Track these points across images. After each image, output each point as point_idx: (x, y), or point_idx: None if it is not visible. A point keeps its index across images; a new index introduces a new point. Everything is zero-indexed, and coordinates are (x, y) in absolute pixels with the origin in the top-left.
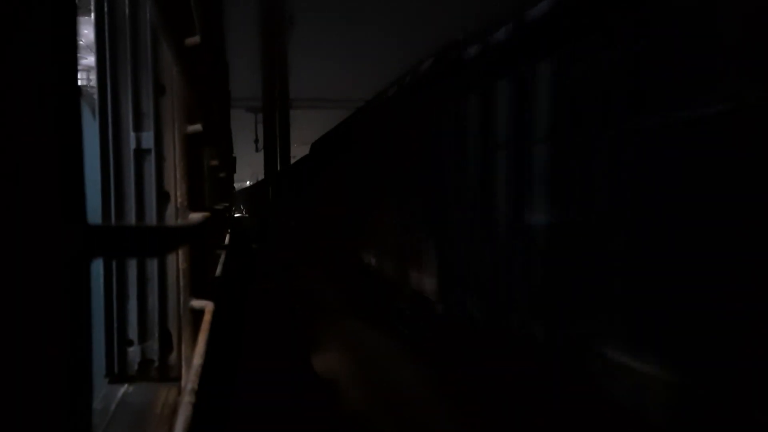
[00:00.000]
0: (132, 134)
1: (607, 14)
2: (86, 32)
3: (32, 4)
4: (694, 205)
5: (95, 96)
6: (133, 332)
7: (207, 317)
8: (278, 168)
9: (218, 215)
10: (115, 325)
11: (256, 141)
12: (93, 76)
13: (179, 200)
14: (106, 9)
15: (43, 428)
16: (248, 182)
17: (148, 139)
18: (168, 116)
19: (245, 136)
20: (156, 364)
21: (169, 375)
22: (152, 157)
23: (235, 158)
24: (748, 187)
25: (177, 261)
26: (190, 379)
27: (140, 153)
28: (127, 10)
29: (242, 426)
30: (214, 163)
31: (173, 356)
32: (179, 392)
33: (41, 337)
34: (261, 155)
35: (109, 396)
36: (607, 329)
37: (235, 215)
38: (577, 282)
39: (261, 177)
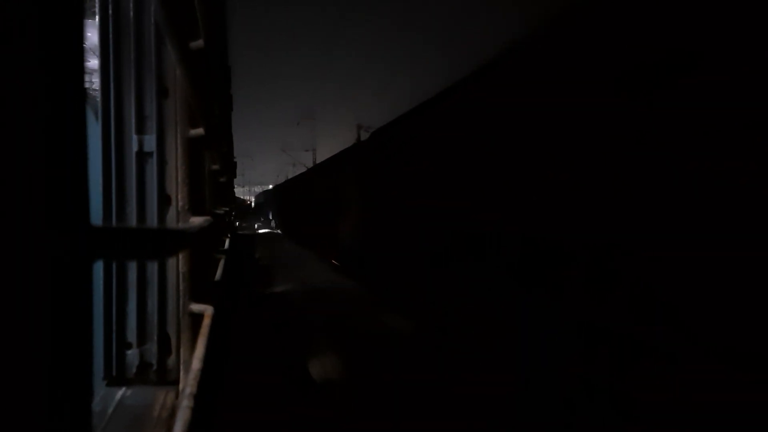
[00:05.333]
0: (134, 137)
1: None
2: (90, 35)
3: (36, 6)
4: None
5: (98, 98)
6: (132, 335)
7: (206, 321)
8: None
9: (219, 219)
10: (114, 327)
11: None
12: (96, 79)
13: (180, 204)
14: (110, 11)
15: (44, 430)
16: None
17: (150, 142)
18: (170, 119)
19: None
20: (154, 367)
21: (167, 378)
22: (154, 160)
23: (235, 163)
24: None
25: (177, 264)
26: (188, 383)
27: (142, 156)
28: (131, 13)
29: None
30: (215, 167)
31: (172, 359)
32: (177, 396)
33: (42, 338)
34: (301, 129)
35: (107, 398)
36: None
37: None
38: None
39: (290, 173)
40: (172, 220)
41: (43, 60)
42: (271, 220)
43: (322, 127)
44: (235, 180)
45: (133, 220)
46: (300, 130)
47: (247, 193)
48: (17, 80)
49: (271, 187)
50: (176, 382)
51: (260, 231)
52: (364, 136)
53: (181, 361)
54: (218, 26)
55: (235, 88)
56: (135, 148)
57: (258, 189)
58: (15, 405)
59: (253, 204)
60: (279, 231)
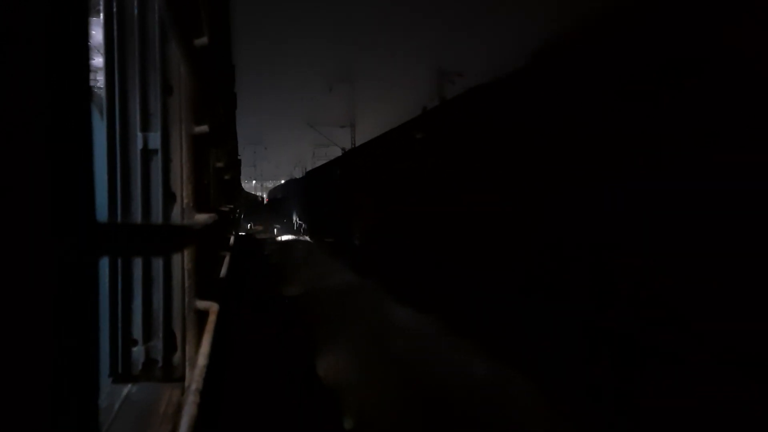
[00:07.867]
0: (139, 134)
1: None
2: (94, 33)
3: (41, 5)
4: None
5: (103, 96)
6: (137, 332)
7: (212, 318)
8: None
9: (223, 217)
10: (120, 324)
11: None
12: (101, 77)
13: (185, 201)
14: (115, 9)
15: (51, 426)
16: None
17: (155, 140)
18: (175, 117)
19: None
20: (160, 364)
21: (172, 375)
22: (159, 157)
23: (240, 160)
24: None
25: (182, 261)
26: (194, 379)
27: (147, 153)
28: (135, 11)
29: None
30: (220, 164)
31: (177, 356)
32: (183, 392)
33: (49, 335)
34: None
35: (113, 394)
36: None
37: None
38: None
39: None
40: (176, 218)
41: (48, 58)
42: (298, 222)
43: (364, 93)
44: (245, 173)
45: (138, 218)
46: (330, 105)
47: (259, 188)
48: (23, 79)
49: (283, 182)
50: (182, 379)
51: (282, 239)
52: (451, 89)
53: (187, 357)
54: (222, 23)
55: (244, 74)
56: (140, 145)
57: (270, 184)
58: (23, 402)
59: (265, 200)
60: (309, 239)
